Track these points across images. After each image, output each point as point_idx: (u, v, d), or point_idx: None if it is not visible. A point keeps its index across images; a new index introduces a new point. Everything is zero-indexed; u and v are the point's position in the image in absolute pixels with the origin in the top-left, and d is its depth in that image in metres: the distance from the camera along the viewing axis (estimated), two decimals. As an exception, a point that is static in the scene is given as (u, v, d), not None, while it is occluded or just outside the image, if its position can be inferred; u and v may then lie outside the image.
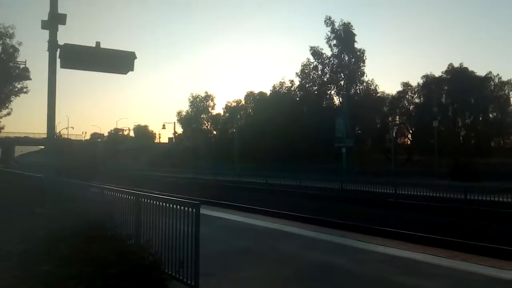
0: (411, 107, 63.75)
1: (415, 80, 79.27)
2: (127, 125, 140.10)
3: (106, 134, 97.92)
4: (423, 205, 19.75)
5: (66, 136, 77.49)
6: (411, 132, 64.54)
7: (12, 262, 4.08)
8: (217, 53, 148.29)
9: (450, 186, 21.33)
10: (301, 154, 53.10)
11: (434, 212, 18.30)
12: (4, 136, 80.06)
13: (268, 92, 71.90)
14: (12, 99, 31.76)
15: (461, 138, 60.92)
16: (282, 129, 56.09)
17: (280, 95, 67.33)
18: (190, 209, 5.07)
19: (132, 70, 9.77)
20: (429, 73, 61.69)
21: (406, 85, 63.55)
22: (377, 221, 15.16)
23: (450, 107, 60.48)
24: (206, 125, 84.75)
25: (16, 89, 30.70)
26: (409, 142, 64.81)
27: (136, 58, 9.66)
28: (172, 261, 5.28)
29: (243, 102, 79.38)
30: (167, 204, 5.53)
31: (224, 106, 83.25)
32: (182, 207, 5.23)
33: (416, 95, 63.42)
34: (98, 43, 9.39)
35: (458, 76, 57.46)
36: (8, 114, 34.06)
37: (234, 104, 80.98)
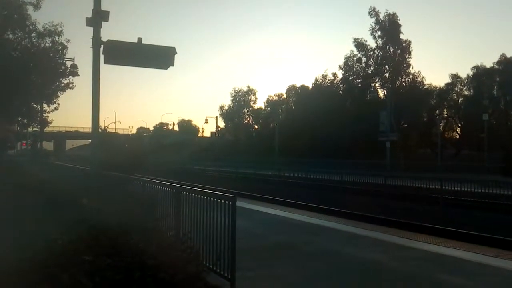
0: (460, 99, 61.21)
1: (465, 71, 76.22)
2: (172, 119, 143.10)
3: (151, 128, 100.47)
4: (471, 201, 19.01)
5: (113, 131, 79.88)
6: (459, 125, 62.11)
7: (56, 251, 4.24)
8: (259, 46, 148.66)
9: (501, 182, 20.37)
10: (343, 148, 52.31)
11: (483, 209, 17.61)
12: (56, 130, 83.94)
13: (310, 86, 71.17)
14: (59, 94, 32.60)
15: (514, 132, 58.07)
16: (324, 123, 55.40)
17: (322, 88, 66.47)
18: (226, 202, 5.10)
19: (173, 65, 9.90)
20: (479, 64, 59.06)
21: (455, 76, 61.04)
22: (421, 217, 14.76)
23: (502, 99, 57.75)
24: (248, 119, 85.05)
25: (63, 84, 31.53)
26: (457, 136, 62.40)
27: (176, 53, 9.78)
28: (210, 253, 5.34)
29: (284, 96, 79.04)
30: (205, 197, 5.58)
31: (265, 100, 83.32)
32: (219, 200, 5.26)
33: (466, 87, 60.80)
34: (139, 39, 9.56)
35: (511, 67, 54.73)
36: (56, 109, 35.13)
37: (275, 98, 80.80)
